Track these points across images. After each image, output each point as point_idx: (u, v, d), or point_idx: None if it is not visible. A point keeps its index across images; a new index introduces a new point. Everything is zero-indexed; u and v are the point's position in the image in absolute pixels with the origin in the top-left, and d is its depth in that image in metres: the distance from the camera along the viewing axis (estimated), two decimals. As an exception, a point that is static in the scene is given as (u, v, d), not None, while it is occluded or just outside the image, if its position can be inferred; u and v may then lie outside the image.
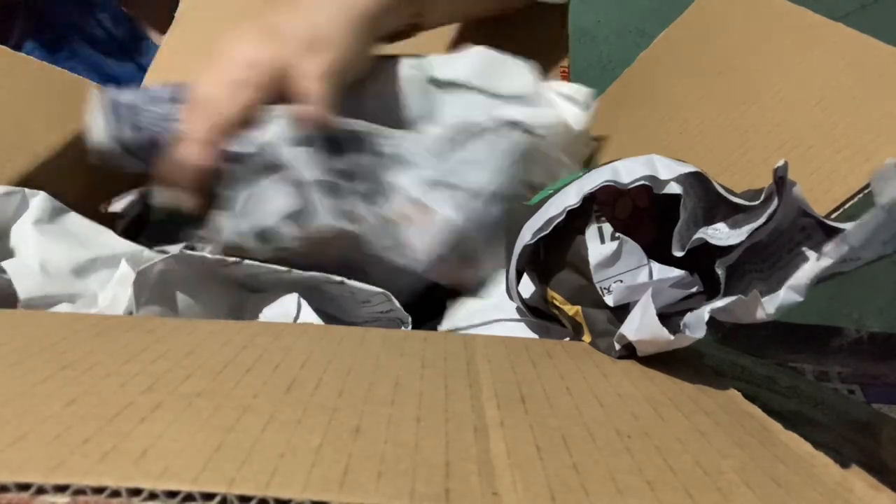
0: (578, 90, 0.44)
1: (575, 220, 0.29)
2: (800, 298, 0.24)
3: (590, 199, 0.29)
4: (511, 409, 0.22)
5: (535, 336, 0.35)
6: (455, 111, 0.43)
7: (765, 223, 0.25)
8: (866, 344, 1.25)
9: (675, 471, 0.19)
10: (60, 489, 0.15)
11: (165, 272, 0.34)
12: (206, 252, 0.35)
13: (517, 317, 0.36)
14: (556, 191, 0.32)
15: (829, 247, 0.24)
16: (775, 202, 0.25)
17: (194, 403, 0.20)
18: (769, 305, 0.25)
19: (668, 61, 0.47)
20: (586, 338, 0.30)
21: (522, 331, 0.36)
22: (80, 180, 0.45)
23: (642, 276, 0.28)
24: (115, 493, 0.15)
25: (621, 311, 0.29)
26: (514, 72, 0.44)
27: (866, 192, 0.30)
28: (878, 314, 1.27)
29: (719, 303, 0.25)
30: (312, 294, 0.38)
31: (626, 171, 0.29)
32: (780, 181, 0.24)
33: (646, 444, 0.20)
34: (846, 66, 0.34)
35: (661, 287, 0.27)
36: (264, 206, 0.36)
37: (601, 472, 0.18)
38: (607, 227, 0.28)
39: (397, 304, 0.36)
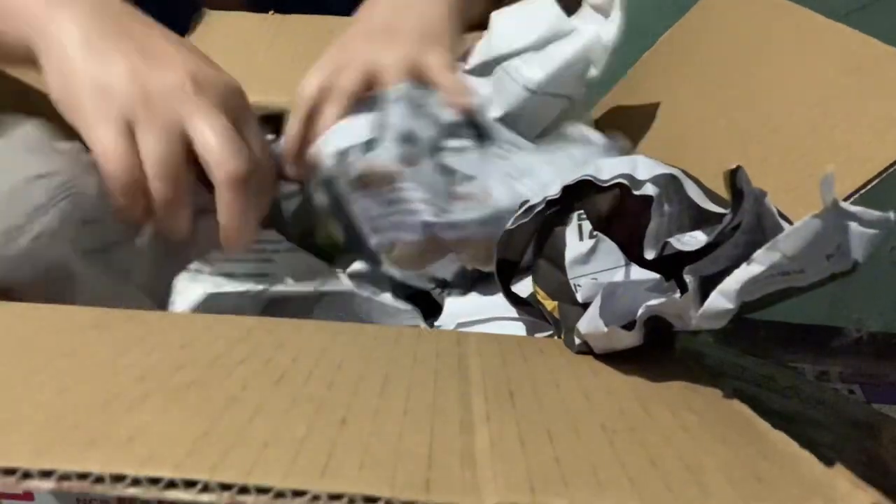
0: None
1: (559, 215, 0.30)
2: (729, 305, 0.23)
3: (573, 194, 0.29)
4: (498, 404, 0.22)
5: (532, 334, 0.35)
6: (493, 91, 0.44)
7: (723, 232, 0.25)
8: (866, 344, 1.24)
9: (656, 465, 0.19)
10: (45, 474, 0.15)
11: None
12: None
13: (515, 315, 0.36)
14: None
15: (759, 252, 0.22)
16: (730, 215, 0.24)
17: (184, 394, 0.20)
18: (697, 312, 0.24)
19: (670, 62, 0.47)
20: (561, 334, 0.30)
21: (519, 329, 0.36)
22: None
23: (618, 277, 0.28)
24: (99, 479, 0.15)
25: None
26: (536, 16, 0.43)
27: (862, 192, 0.30)
28: (879, 315, 1.26)
29: (654, 301, 0.25)
30: (344, 310, 0.38)
31: (608, 168, 0.29)
32: (738, 191, 0.24)
33: (630, 439, 0.20)
34: (847, 66, 0.34)
35: (636, 289, 0.27)
36: (349, 127, 0.39)
37: (583, 466, 0.19)
38: (587, 225, 0.28)
39: (423, 322, 0.37)
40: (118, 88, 0.34)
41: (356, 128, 0.39)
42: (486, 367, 0.26)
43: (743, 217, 0.25)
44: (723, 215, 0.25)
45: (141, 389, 0.20)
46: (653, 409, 0.23)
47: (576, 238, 0.29)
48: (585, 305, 0.28)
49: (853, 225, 0.22)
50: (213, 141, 0.33)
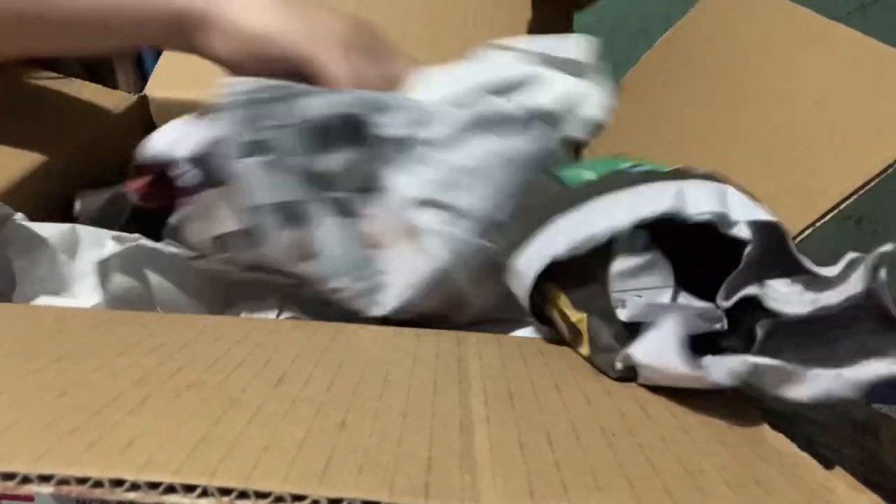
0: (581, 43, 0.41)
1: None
2: (851, 395, 0.21)
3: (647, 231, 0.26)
4: (498, 406, 0.22)
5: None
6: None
7: (838, 304, 0.22)
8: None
9: (656, 468, 0.19)
10: (45, 479, 0.15)
11: (130, 260, 0.34)
12: (174, 247, 0.34)
13: (515, 315, 0.36)
14: (601, 180, 0.29)
15: (818, 372, 0.21)
16: (858, 288, 0.22)
17: (183, 396, 0.20)
18: (807, 388, 0.22)
19: (671, 62, 0.47)
20: (584, 349, 0.28)
21: (518, 330, 0.36)
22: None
23: (664, 298, 0.25)
24: (98, 484, 0.15)
25: (631, 329, 0.25)
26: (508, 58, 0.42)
27: (861, 192, 0.29)
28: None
29: (758, 359, 0.22)
30: (282, 289, 0.36)
31: (693, 200, 0.25)
32: (874, 271, 0.22)
33: (629, 442, 0.20)
34: (846, 66, 0.34)
35: (684, 314, 0.25)
36: (217, 213, 0.33)
37: (582, 469, 0.19)
38: (643, 235, 0.26)
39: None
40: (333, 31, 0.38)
41: (220, 212, 0.33)
42: (486, 368, 0.26)
43: (847, 305, 0.22)
44: (822, 277, 0.23)
45: (140, 392, 0.20)
46: (652, 411, 0.23)
47: (625, 248, 0.26)
48: (626, 324, 0.25)
49: None
50: None
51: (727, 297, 0.25)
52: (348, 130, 0.34)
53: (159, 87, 0.53)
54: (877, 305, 0.21)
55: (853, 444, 0.38)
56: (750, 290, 0.24)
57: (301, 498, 0.16)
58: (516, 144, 0.36)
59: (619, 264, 0.25)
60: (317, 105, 0.34)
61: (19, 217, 0.39)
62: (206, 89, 0.47)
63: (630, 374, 0.25)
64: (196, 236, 0.33)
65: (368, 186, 0.35)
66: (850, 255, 0.23)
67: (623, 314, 0.25)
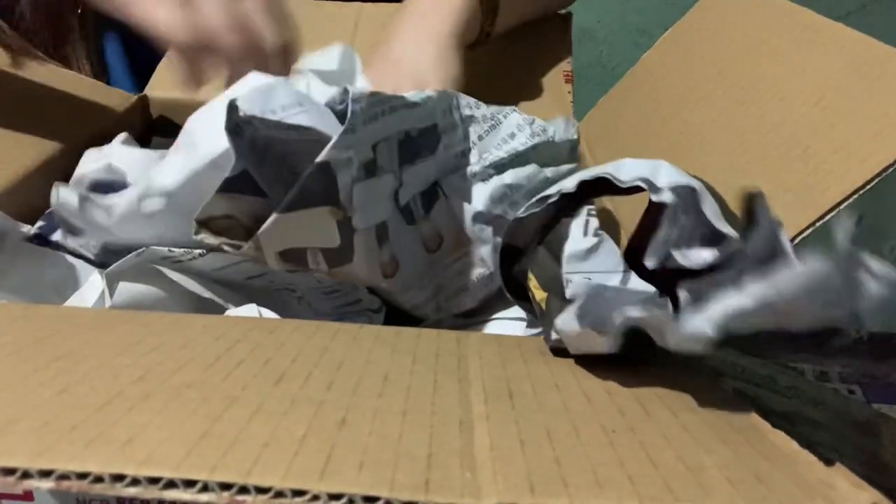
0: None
1: (568, 209, 0.29)
2: (709, 332, 0.21)
3: (589, 191, 0.29)
4: (498, 404, 0.22)
5: (530, 333, 0.35)
6: None
7: (730, 256, 0.24)
8: (866, 344, 1.25)
9: (656, 465, 0.19)
10: (45, 474, 0.15)
11: (135, 269, 0.34)
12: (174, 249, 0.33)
13: (513, 315, 0.37)
14: None
15: (754, 285, 0.21)
16: (738, 240, 0.23)
17: (183, 394, 0.20)
18: (676, 331, 0.22)
19: (670, 62, 0.47)
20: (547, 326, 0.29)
21: (519, 329, 0.36)
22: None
23: (612, 282, 0.27)
24: (99, 479, 0.15)
25: None
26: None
27: (862, 192, 0.30)
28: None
29: (635, 313, 0.23)
30: (280, 294, 0.37)
31: (628, 169, 0.28)
32: (752, 216, 0.23)
33: (630, 440, 0.20)
34: (846, 65, 0.34)
35: (625, 297, 0.26)
36: (301, 225, 0.30)
37: (582, 466, 0.19)
38: (594, 221, 0.28)
39: (365, 291, 0.35)
40: None
41: (306, 225, 0.31)
42: (486, 367, 0.26)
43: (754, 244, 0.24)
44: (728, 237, 0.25)
45: (140, 390, 0.20)
46: (652, 409, 0.23)
47: (580, 232, 0.28)
48: (571, 302, 0.27)
49: (866, 277, 0.20)
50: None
51: (653, 261, 0.27)
52: (431, 141, 0.36)
53: (159, 86, 0.53)
54: (771, 252, 0.23)
55: (853, 444, 0.38)
56: (671, 251, 0.26)
57: (301, 493, 0.16)
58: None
59: (570, 247, 0.28)
60: (417, 117, 0.35)
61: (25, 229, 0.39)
62: (206, 89, 0.47)
63: (561, 344, 0.27)
64: (274, 247, 0.31)
65: (426, 190, 0.36)
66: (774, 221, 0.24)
67: (567, 292, 0.27)
